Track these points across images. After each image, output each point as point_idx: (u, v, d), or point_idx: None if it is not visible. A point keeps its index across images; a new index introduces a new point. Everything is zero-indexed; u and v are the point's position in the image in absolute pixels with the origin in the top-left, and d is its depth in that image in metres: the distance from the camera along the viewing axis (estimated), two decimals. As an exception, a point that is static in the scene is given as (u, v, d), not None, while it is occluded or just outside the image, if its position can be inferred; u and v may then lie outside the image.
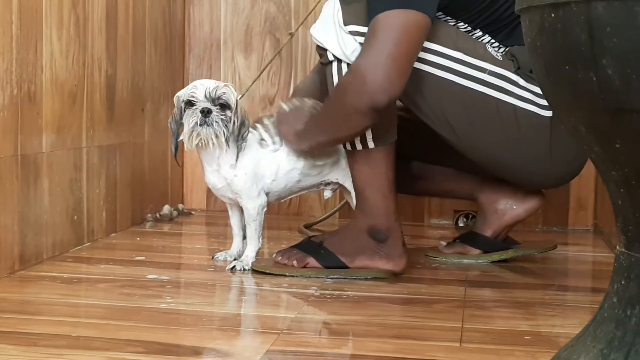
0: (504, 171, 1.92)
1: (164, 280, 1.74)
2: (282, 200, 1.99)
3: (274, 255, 1.89)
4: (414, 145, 1.98)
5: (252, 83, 2.51)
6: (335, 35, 1.73)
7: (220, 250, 1.98)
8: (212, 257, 1.95)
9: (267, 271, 1.83)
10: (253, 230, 1.86)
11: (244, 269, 1.83)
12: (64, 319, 1.42)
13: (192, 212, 2.73)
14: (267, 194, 1.88)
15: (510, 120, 1.81)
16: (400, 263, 1.82)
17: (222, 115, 1.76)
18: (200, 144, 1.77)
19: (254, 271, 1.84)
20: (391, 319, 1.50)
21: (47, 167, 1.87)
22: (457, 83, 1.78)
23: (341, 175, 1.93)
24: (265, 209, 1.88)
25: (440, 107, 1.80)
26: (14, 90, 1.71)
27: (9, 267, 1.72)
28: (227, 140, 1.77)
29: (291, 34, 2.34)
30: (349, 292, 1.67)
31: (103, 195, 2.18)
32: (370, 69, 1.64)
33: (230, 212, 1.95)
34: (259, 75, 2.46)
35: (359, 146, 1.77)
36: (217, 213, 2.73)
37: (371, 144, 1.76)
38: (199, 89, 1.77)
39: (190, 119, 1.75)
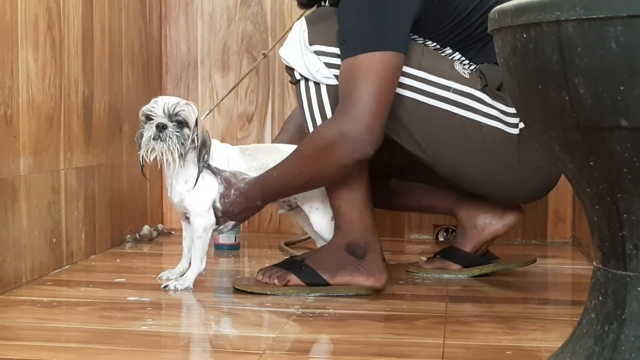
0: (474, 186, 1.93)
1: (145, 302, 1.73)
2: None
3: (256, 274, 1.89)
4: (392, 162, 1.99)
5: (220, 101, 2.51)
6: (301, 55, 1.77)
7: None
8: (157, 277, 1.95)
9: (249, 290, 1.83)
10: (197, 249, 1.86)
11: (177, 289, 1.83)
12: (44, 343, 1.42)
13: (172, 232, 2.72)
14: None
15: (477, 137, 1.82)
16: (381, 279, 1.82)
17: (177, 132, 1.77)
18: (157, 158, 1.79)
19: (236, 290, 1.84)
20: (373, 337, 1.51)
21: (25, 190, 1.86)
22: (422, 102, 1.80)
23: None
24: (213, 228, 1.87)
25: (406, 125, 1.82)
26: (-10, 114, 1.71)
27: (-13, 292, 1.71)
28: (181, 157, 1.78)
29: (264, 54, 2.35)
30: (331, 310, 1.67)
31: (82, 217, 2.17)
32: (353, 126, 1.68)
33: (184, 232, 1.94)
34: (228, 94, 2.46)
35: None
36: (197, 232, 2.72)
37: None
38: (159, 104, 1.78)
39: (147, 133, 1.77)
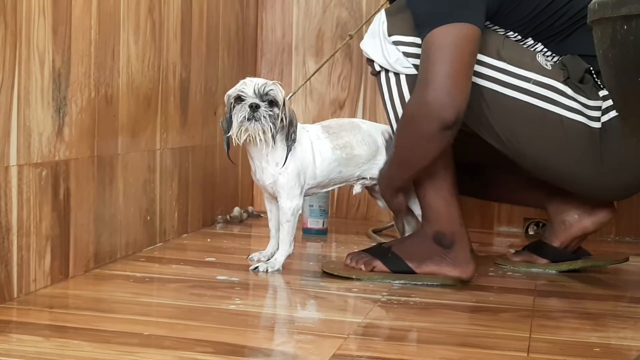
0: (555, 180, 1.90)
1: (234, 282, 1.76)
2: (324, 190, 2.00)
3: (344, 258, 1.90)
4: (484, 152, 1.97)
5: (305, 81, 2.52)
6: (380, 46, 1.78)
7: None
8: (247, 257, 1.98)
9: (335, 273, 1.84)
10: (285, 232, 1.88)
11: (267, 271, 1.86)
12: (136, 317, 1.46)
13: (262, 215, 2.76)
14: (310, 188, 1.91)
15: (557, 131, 1.79)
16: (468, 270, 1.81)
17: (269, 111, 1.79)
18: (248, 140, 1.80)
19: (323, 274, 1.86)
20: (457, 327, 1.50)
21: (122, 168, 1.92)
22: (501, 93, 1.78)
23: (372, 171, 1.94)
24: (300, 211, 1.90)
25: (485, 116, 1.80)
26: (91, 93, 1.76)
27: (84, 265, 1.77)
28: (273, 137, 1.79)
29: (350, 35, 2.36)
30: (416, 299, 1.68)
31: (175, 197, 2.23)
32: (431, 93, 1.67)
33: (269, 214, 1.97)
34: (314, 73, 2.47)
35: None
36: (286, 216, 2.76)
37: None
38: (248, 85, 1.80)
39: (239, 113, 1.78)
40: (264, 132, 1.78)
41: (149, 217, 2.07)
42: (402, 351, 1.34)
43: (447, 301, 1.68)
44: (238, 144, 1.82)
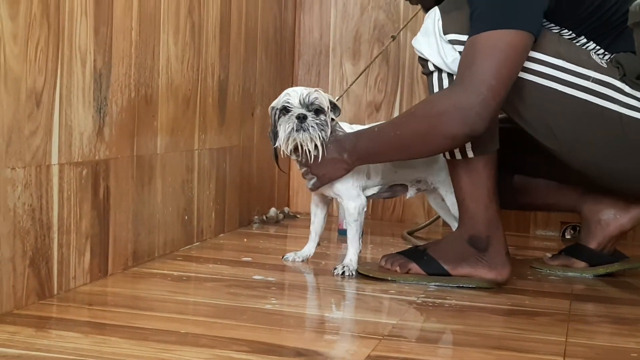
0: (610, 179, 1.87)
1: (270, 282, 1.78)
2: (383, 197, 2.00)
3: (379, 260, 1.91)
4: (516, 156, 1.96)
5: (349, 86, 2.54)
6: (436, 45, 1.74)
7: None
8: (282, 257, 2.00)
9: (371, 275, 1.85)
10: (354, 232, 1.89)
11: (352, 274, 1.86)
12: (173, 315, 1.48)
13: (298, 216, 2.78)
14: (364, 190, 1.90)
15: (616, 128, 1.77)
16: (504, 272, 1.81)
17: (316, 120, 1.80)
18: (297, 149, 1.81)
19: (359, 275, 1.87)
20: (493, 330, 1.50)
21: (161, 168, 1.94)
22: (560, 91, 1.75)
23: (430, 176, 1.94)
24: (366, 209, 1.90)
25: (543, 115, 1.78)
26: (132, 93, 1.79)
27: (122, 263, 1.80)
28: (324, 144, 1.80)
29: (393, 37, 2.36)
30: (452, 301, 1.68)
31: (213, 197, 2.24)
32: (470, 99, 1.65)
33: (313, 217, 1.98)
34: (357, 78, 2.48)
35: (458, 155, 1.77)
36: (321, 217, 2.78)
37: (470, 154, 1.76)
38: (292, 95, 1.81)
39: (286, 125, 1.80)
40: (312, 141, 1.79)
41: (186, 217, 2.09)
42: (437, 354, 1.34)
43: (483, 304, 1.68)
44: (287, 154, 1.83)
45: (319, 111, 1.81)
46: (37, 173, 1.48)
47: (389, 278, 1.83)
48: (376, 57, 2.51)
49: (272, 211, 2.64)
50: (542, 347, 1.38)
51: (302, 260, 1.96)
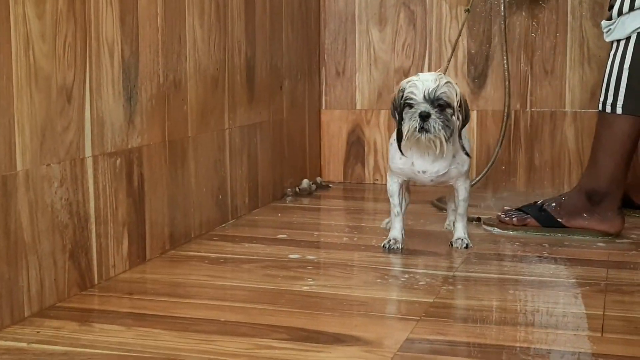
0: None
1: (305, 260, 1.79)
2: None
3: (499, 214, 2.06)
4: None
5: (448, 62, 2.45)
6: None
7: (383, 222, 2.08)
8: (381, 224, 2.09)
9: (493, 229, 2.03)
10: (464, 209, 1.92)
11: (468, 246, 1.90)
12: (211, 302, 1.50)
13: (330, 185, 2.79)
14: None
15: None
16: (616, 225, 1.89)
17: (440, 117, 1.71)
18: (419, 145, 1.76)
19: (389, 252, 1.87)
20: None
21: (193, 150, 1.96)
22: None
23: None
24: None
25: None
26: (160, 79, 1.79)
27: (160, 247, 1.82)
28: (447, 140, 1.72)
29: (467, 10, 2.32)
30: (490, 275, 1.68)
31: (245, 173, 2.26)
32: None
33: (398, 205, 1.91)
34: (452, 54, 2.45)
35: (608, 108, 1.80)
36: (353, 185, 2.79)
37: (619, 110, 1.78)
38: (419, 88, 1.71)
39: (410, 122, 1.71)
40: (436, 138, 1.71)
41: (220, 196, 2.11)
42: (473, 333, 1.34)
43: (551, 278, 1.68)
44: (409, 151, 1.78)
45: (443, 106, 1.71)
46: (72, 167, 1.50)
47: (511, 231, 1.99)
48: (459, 35, 2.46)
49: (305, 182, 2.65)
50: (581, 323, 1.39)
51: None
